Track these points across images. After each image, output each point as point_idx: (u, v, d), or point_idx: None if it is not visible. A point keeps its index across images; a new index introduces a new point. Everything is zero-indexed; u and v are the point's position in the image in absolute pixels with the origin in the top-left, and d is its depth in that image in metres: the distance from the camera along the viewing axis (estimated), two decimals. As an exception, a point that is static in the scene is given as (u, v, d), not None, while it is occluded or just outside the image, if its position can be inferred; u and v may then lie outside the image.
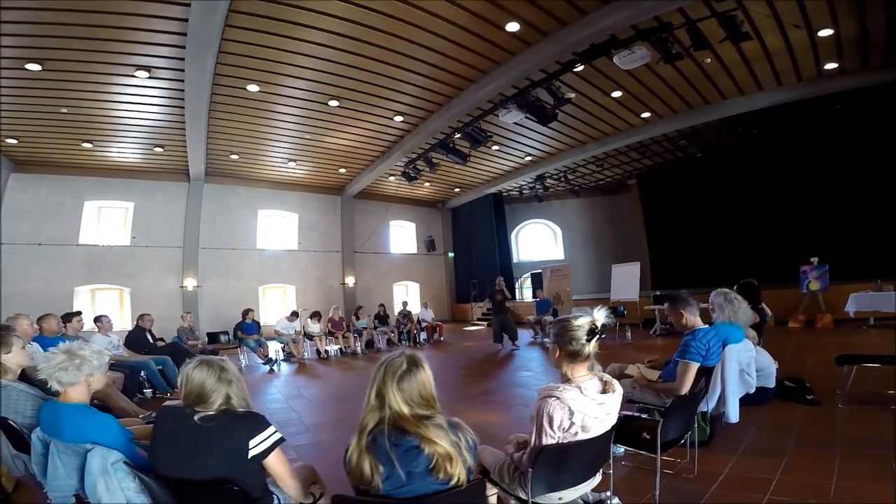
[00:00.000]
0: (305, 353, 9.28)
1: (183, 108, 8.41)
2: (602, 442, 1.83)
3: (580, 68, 7.79)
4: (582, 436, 1.77)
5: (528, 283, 16.71)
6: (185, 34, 6.08)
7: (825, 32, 6.83)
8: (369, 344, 10.33)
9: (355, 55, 7.32)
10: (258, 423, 1.60)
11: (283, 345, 9.13)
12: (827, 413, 3.54)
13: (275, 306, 14.36)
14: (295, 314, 9.71)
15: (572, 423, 1.74)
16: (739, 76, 8.51)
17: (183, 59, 6.70)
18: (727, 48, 7.11)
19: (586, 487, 1.90)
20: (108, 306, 11.56)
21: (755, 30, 6.58)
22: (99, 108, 8.30)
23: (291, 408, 5.07)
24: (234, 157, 11.68)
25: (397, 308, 13.37)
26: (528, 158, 13.46)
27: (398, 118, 9.94)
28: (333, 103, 8.97)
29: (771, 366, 4.11)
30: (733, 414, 3.49)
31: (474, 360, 8.03)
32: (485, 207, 16.73)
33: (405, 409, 1.38)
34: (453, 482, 1.34)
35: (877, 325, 7.92)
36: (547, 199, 16.81)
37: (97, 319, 6.05)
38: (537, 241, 19.20)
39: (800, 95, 8.86)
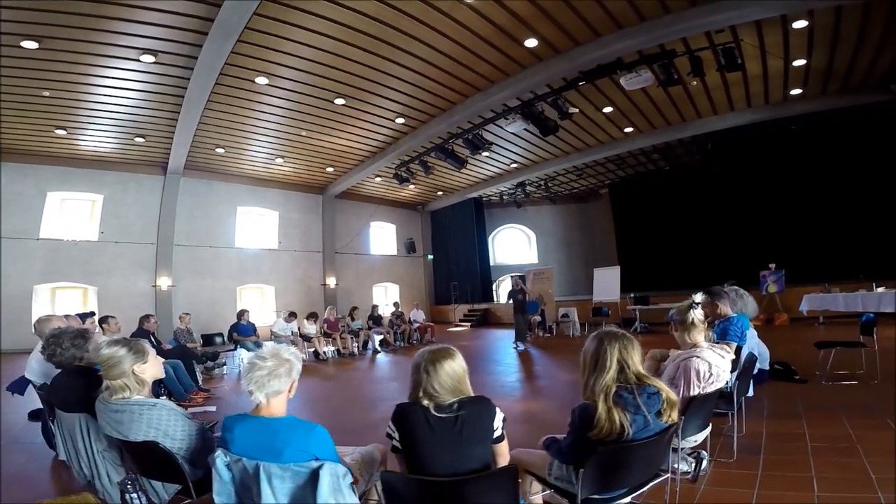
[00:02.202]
0: (304, 355, 9.10)
1: (180, 96, 8.03)
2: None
3: (582, 84, 8.34)
4: (716, 385, 2.38)
5: (508, 284, 17.22)
6: (210, 19, 5.87)
7: (799, 62, 7.83)
8: (364, 345, 10.27)
9: (373, 54, 7.36)
10: (490, 404, 1.67)
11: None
12: (815, 388, 4.32)
13: (253, 307, 13.78)
14: (293, 314, 9.49)
15: (711, 374, 2.35)
16: (717, 98, 9.49)
17: (199, 45, 6.44)
18: (712, 72, 7.90)
19: (707, 431, 2.45)
20: (71, 306, 10.62)
21: (741, 58, 7.40)
22: (86, 92, 7.70)
23: (333, 409, 5.03)
24: (219, 150, 11.18)
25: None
26: (514, 165, 13.98)
27: (400, 120, 10.03)
28: (340, 101, 8.92)
29: (766, 351, 4.91)
30: (749, 389, 4.14)
31: (480, 357, 8.31)
32: (465, 211, 17.09)
33: (640, 368, 1.76)
34: (670, 422, 1.74)
35: (825, 322, 9.13)
36: (524, 205, 17.46)
37: (103, 320, 5.63)
38: (512, 245, 19.85)
39: (765, 117, 10.03)
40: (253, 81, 7.92)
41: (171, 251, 12.00)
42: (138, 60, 6.85)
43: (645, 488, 1.85)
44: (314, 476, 1.47)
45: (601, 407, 1.65)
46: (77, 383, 2.43)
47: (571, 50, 7.33)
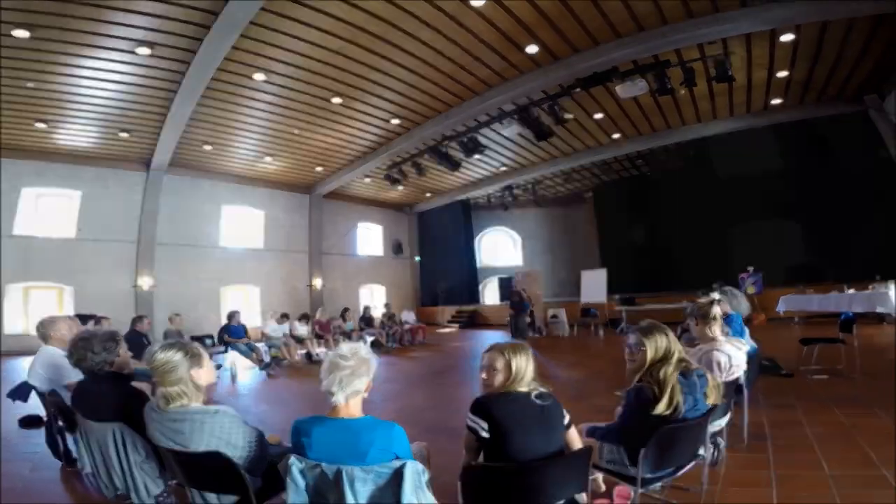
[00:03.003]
0: (297, 357, 8.96)
1: (172, 91, 7.82)
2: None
3: (576, 91, 8.58)
4: (735, 375, 2.64)
5: (495, 285, 17.45)
6: (214, 12, 5.76)
7: (782, 74, 8.29)
8: (358, 346, 10.17)
9: (374, 54, 7.36)
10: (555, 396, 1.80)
11: (270, 348, 8.73)
12: (802, 382, 4.63)
13: (237, 308, 13.46)
14: (285, 316, 9.34)
15: (732, 366, 2.62)
16: (702, 107, 9.92)
17: (199, 39, 6.32)
18: (701, 82, 8.25)
19: (727, 417, 2.66)
20: (45, 307, 10.12)
21: (731, 69, 7.77)
22: (73, 84, 7.40)
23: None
24: (207, 147, 10.91)
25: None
26: (503, 169, 14.18)
27: (395, 120, 10.04)
28: (336, 100, 8.87)
29: (756, 347, 5.18)
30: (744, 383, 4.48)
31: (480, 357, 8.39)
32: (453, 213, 17.21)
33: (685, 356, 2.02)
34: (712, 403, 1.98)
35: (800, 322, 9.64)
36: (511, 208, 17.72)
37: (97, 322, 5.49)
38: (498, 248, 20.08)
39: (745, 125, 10.55)
40: (250, 77, 7.78)
41: (153, 250, 11.61)
42: (133, 53, 6.64)
43: (686, 468, 1.99)
44: (395, 476, 1.45)
45: (667, 388, 1.84)
46: (109, 390, 2.30)
47: (570, 57, 7.53)
